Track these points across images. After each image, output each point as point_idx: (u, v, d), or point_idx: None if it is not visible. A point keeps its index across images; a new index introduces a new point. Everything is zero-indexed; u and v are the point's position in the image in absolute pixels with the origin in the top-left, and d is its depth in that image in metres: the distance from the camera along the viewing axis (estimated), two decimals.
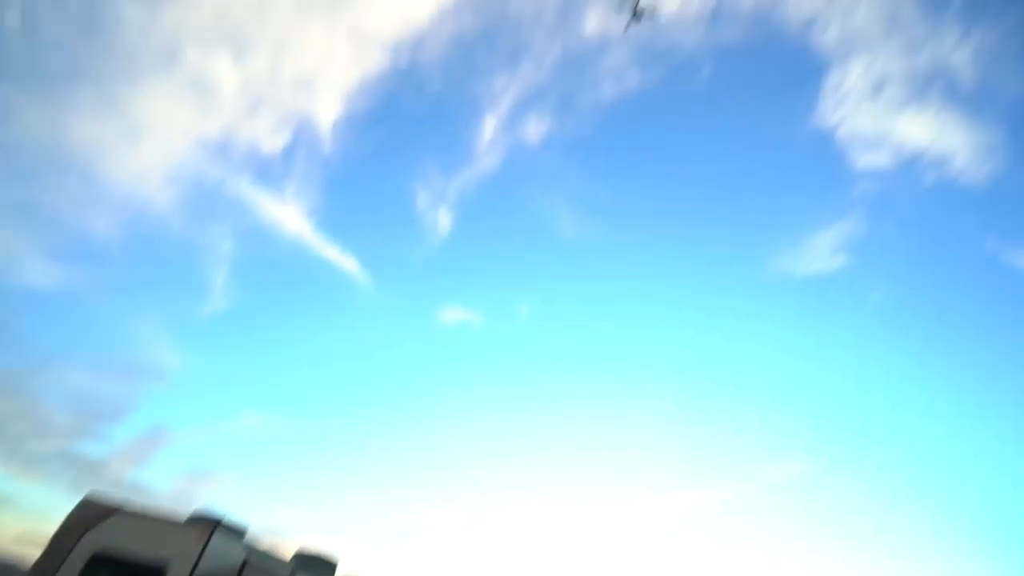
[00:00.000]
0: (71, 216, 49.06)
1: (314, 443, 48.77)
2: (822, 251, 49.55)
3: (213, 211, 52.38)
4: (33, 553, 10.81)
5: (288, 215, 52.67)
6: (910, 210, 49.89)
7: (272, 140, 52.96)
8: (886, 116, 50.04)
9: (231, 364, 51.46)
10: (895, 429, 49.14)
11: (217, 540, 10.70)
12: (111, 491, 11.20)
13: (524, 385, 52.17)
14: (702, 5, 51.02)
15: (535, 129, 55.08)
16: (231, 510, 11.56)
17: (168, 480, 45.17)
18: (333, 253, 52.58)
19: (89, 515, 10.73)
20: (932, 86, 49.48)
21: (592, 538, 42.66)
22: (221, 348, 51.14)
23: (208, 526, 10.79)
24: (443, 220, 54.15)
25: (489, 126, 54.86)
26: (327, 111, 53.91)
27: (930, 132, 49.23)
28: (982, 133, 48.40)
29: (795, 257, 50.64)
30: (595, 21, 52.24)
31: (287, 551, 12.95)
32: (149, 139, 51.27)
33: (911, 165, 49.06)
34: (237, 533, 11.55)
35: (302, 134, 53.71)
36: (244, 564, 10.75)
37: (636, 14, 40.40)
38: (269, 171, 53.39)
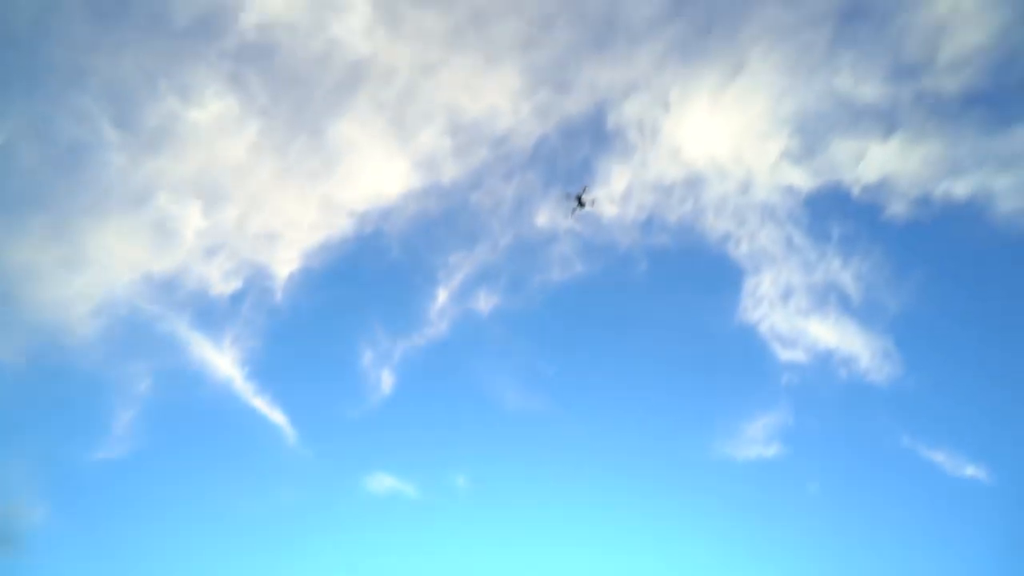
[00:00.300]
0: None
1: None
2: (758, 438, 51.69)
3: (138, 348, 49.43)
4: None
5: (221, 361, 50.26)
6: (830, 404, 54.25)
7: (222, 285, 52.83)
8: (797, 319, 56.97)
9: (112, 524, 43.35)
10: None
11: None
12: None
13: (456, 563, 46.38)
14: (636, 213, 59.77)
15: (485, 303, 58.14)
16: None
17: None
18: (261, 404, 49.36)
19: None
20: (828, 299, 57.56)
21: None
22: (104, 503, 43.65)
23: None
24: (385, 382, 53.30)
25: (442, 296, 57.46)
26: (285, 265, 55.21)
27: (834, 336, 56.06)
28: (875, 341, 55.49)
29: (734, 442, 52.23)
30: (546, 216, 59.62)
31: None
32: (90, 269, 49.84)
33: (825, 362, 54.72)
34: None
35: (254, 283, 54.12)
36: None
37: (581, 203, 49.29)
38: (211, 315, 52.21)
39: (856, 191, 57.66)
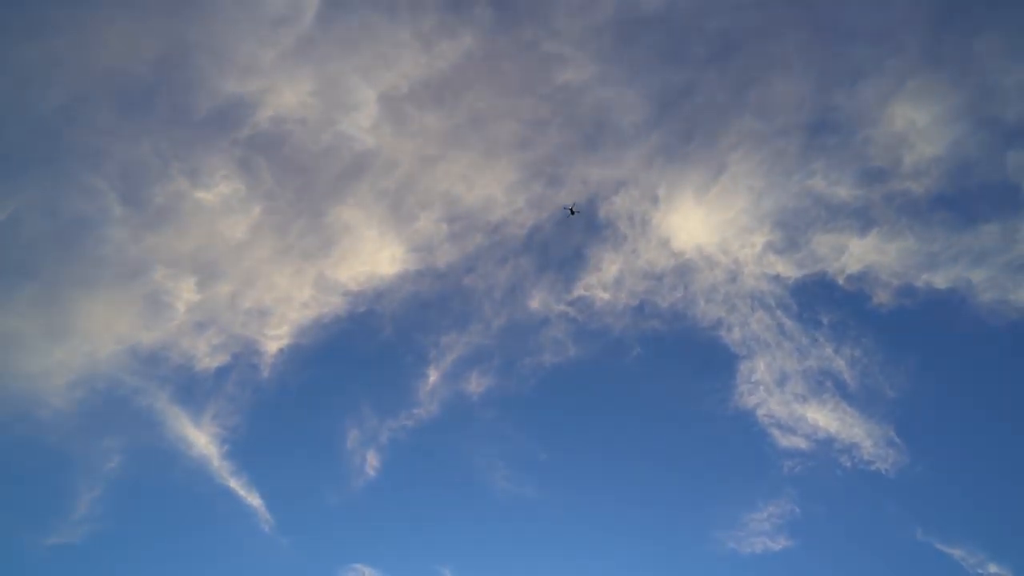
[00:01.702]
0: None
1: None
2: (763, 529, 48.86)
3: (113, 423, 47.13)
4: None
5: (199, 438, 47.71)
6: (837, 493, 52.01)
7: (208, 360, 51.55)
8: (794, 405, 56.00)
9: None
10: None
11: None
12: None
13: None
14: (628, 299, 60.56)
15: (477, 385, 56.86)
16: None
17: None
18: (237, 486, 46.06)
19: None
20: (824, 385, 57.09)
21: None
22: None
23: None
24: (370, 465, 50.68)
25: (433, 377, 56.28)
26: (274, 341, 54.39)
27: (833, 423, 54.84)
28: (875, 428, 54.31)
29: (738, 534, 49.01)
30: (538, 300, 60.17)
31: None
32: (74, 340, 48.70)
33: (827, 449, 53.15)
34: None
35: (241, 359, 52.92)
36: None
37: (573, 212, 55.49)
38: (194, 390, 50.42)
39: (841, 281, 59.33)
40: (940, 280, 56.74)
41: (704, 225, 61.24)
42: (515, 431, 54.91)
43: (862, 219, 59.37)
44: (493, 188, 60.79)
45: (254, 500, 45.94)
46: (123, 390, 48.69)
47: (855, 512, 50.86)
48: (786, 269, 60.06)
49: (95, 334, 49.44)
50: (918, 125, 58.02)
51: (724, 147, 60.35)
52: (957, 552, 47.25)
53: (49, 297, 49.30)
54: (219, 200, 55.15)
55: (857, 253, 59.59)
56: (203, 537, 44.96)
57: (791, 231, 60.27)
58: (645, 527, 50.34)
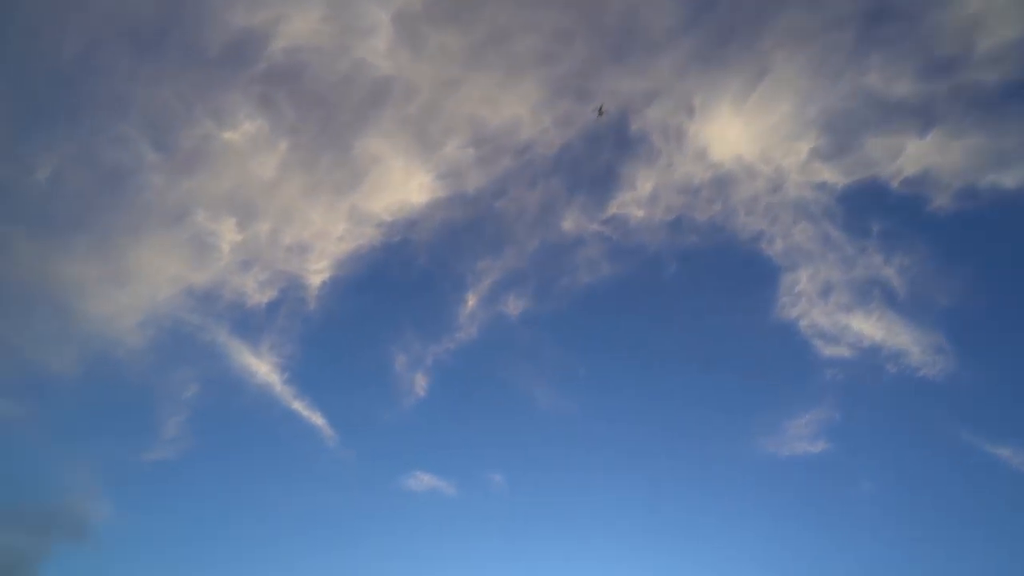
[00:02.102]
0: (30, 351, 48.05)
1: None
2: (803, 435, 50.33)
3: (183, 357, 52.11)
4: None
5: (260, 367, 52.53)
6: (880, 399, 52.26)
7: (258, 295, 54.69)
8: (839, 315, 54.96)
9: (168, 519, 47.90)
10: None
11: None
12: None
13: (494, 557, 46.60)
14: (664, 215, 58.92)
15: (514, 307, 58.03)
16: None
17: None
18: (301, 408, 51.34)
19: None
20: (871, 294, 55.34)
21: None
22: (161, 500, 48.33)
23: None
24: (419, 386, 54.27)
25: (471, 301, 57.70)
26: (317, 275, 56.62)
27: (879, 331, 53.77)
28: (924, 335, 53.00)
29: (777, 439, 50.83)
30: (571, 221, 59.45)
31: None
32: (135, 284, 52.28)
33: (872, 358, 52.72)
34: None
35: (288, 293, 55.79)
36: None
37: (600, 112, 54.16)
38: (249, 324, 54.25)
39: (895, 185, 55.60)
40: (1009, 180, 52.24)
41: (744, 134, 57.77)
42: (554, 349, 56.78)
43: (923, 117, 54.41)
44: (518, 108, 58.52)
45: (317, 420, 51.33)
46: (187, 327, 52.88)
47: (898, 415, 51.39)
48: (833, 176, 56.64)
49: (151, 277, 52.79)
50: (997, 4, 51.40)
51: (766, 47, 55.45)
52: (1003, 451, 47.49)
53: (103, 246, 52.41)
54: (245, 139, 55.51)
55: (915, 155, 55.29)
56: (278, 451, 51.71)
57: (840, 135, 56.16)
58: (682, 433, 52.88)
